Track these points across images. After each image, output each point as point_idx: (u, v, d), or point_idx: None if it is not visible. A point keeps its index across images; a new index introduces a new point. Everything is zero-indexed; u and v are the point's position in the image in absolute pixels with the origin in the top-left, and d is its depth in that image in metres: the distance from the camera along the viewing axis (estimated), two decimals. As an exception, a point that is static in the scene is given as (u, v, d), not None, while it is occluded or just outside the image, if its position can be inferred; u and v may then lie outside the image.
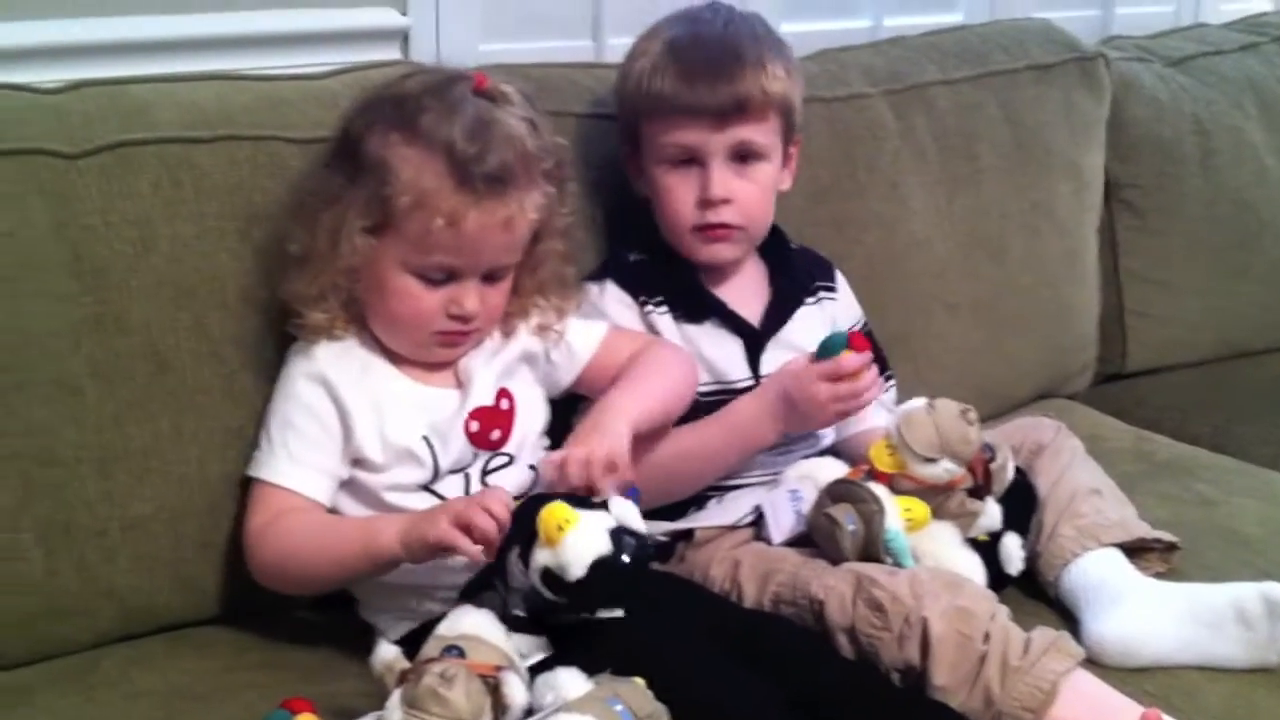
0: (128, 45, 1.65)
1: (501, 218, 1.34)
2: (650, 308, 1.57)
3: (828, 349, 1.49)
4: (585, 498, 1.26)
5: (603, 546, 1.20)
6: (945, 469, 1.43)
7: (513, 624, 1.22)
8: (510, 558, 1.23)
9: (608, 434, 1.34)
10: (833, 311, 1.69)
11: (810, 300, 1.67)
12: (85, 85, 1.46)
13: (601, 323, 1.53)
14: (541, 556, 1.20)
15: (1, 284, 1.32)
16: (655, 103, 1.53)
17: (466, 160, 1.32)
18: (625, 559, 1.20)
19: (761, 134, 1.55)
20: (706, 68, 1.51)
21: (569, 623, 1.23)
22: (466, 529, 1.22)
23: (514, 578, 1.23)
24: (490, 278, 1.39)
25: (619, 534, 1.21)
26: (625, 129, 1.61)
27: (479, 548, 1.22)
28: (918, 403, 1.45)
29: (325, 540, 1.34)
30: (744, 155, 1.55)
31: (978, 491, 1.46)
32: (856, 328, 1.70)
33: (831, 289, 1.71)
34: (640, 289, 1.58)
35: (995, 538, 1.45)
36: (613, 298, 1.57)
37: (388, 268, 1.36)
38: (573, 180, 1.50)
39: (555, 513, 1.20)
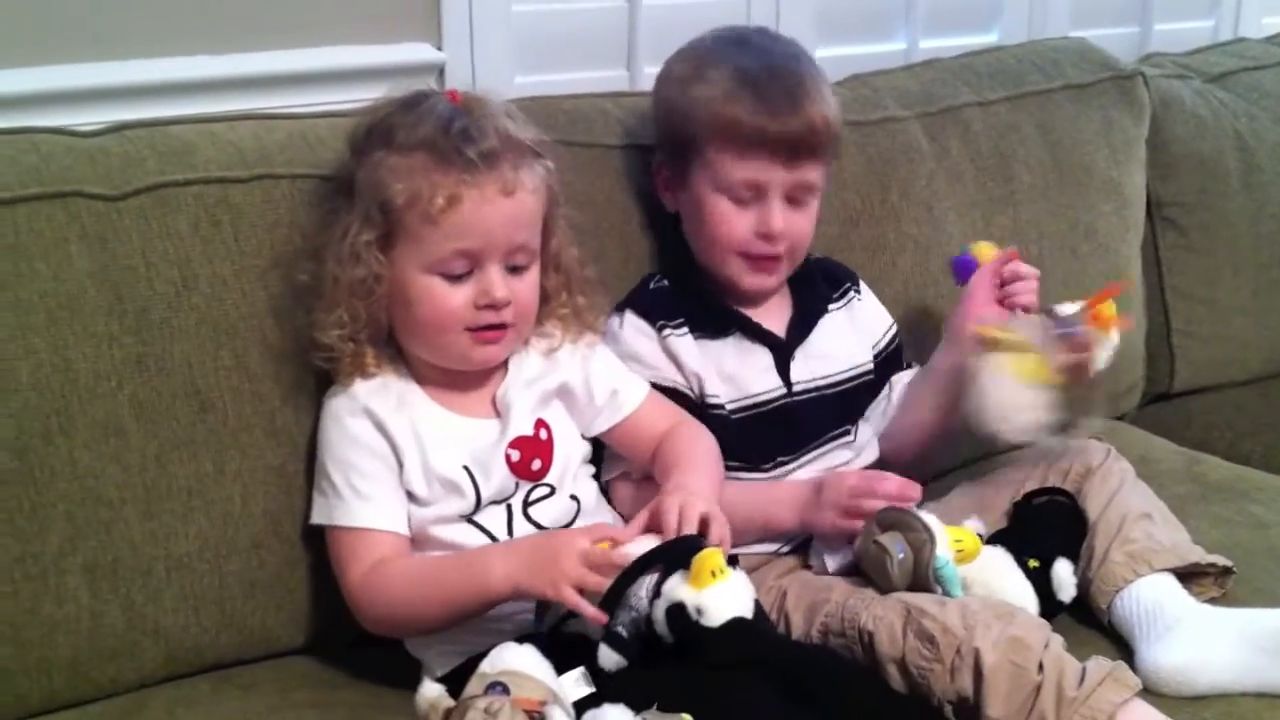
0: (168, 86, 1.67)
1: (499, 188, 1.34)
2: (668, 331, 1.57)
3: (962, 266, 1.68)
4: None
5: (745, 608, 1.20)
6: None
7: (612, 642, 1.21)
8: (643, 580, 1.22)
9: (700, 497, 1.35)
10: (862, 313, 1.69)
11: (835, 305, 1.68)
12: (125, 127, 1.47)
13: (644, 381, 1.53)
14: (680, 592, 1.19)
15: (46, 327, 1.33)
16: (731, 130, 1.52)
17: (449, 146, 1.34)
18: (761, 630, 1.21)
19: (819, 174, 1.57)
20: (785, 100, 1.52)
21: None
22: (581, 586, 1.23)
23: (636, 598, 1.21)
24: (514, 268, 1.39)
25: (759, 606, 1.22)
26: (675, 146, 1.59)
27: (598, 612, 1.22)
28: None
29: (432, 586, 1.33)
30: (800, 193, 1.56)
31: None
32: (889, 336, 1.71)
33: (858, 290, 1.71)
34: (658, 314, 1.58)
35: (1046, 565, 1.44)
36: (631, 327, 1.58)
37: (408, 277, 1.36)
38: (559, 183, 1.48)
39: (713, 558, 1.19)
